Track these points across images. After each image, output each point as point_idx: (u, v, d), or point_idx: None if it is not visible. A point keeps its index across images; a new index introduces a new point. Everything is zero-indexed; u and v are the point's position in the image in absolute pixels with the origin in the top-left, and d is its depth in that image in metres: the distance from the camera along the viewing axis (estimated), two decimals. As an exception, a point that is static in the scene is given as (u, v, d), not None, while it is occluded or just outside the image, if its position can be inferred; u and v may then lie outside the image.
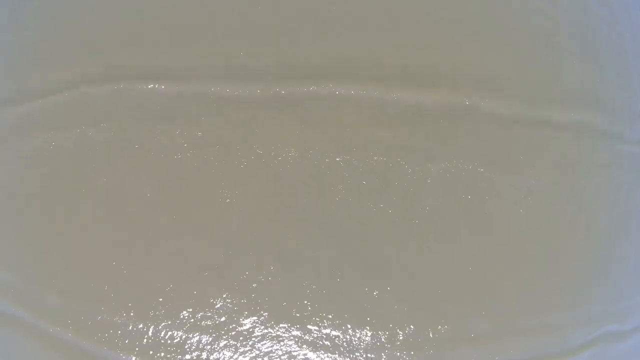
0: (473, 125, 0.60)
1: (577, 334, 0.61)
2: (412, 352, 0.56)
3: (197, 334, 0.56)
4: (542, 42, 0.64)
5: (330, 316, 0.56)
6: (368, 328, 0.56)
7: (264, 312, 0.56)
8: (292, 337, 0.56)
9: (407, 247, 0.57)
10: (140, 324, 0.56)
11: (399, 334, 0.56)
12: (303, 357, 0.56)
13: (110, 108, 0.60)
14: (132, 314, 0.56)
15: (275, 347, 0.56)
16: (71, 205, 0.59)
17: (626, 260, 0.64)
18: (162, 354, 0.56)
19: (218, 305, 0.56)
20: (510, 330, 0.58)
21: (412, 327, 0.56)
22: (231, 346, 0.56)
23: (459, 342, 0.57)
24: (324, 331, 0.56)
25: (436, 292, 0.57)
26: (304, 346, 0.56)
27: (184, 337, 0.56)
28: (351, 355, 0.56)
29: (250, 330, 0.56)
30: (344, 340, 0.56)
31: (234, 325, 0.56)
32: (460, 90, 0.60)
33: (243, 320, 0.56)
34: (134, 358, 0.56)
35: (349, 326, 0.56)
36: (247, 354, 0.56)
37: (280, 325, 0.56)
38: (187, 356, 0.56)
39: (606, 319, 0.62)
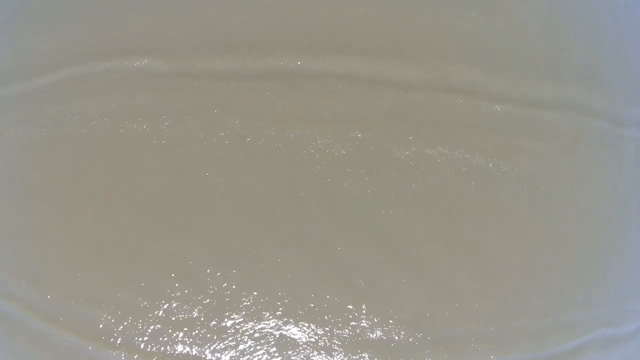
0: (468, 109, 0.58)
1: (576, 335, 0.60)
2: (405, 351, 0.56)
3: (201, 331, 0.56)
4: (539, 25, 0.62)
5: (324, 307, 0.56)
6: (349, 327, 0.55)
7: (262, 306, 0.56)
8: (291, 330, 0.56)
9: (400, 243, 0.56)
10: (141, 324, 0.56)
11: (391, 331, 0.56)
12: (304, 350, 0.56)
13: (95, 89, 0.59)
14: (132, 314, 0.56)
15: (278, 341, 0.55)
16: (68, 201, 0.58)
17: (625, 259, 0.64)
18: (166, 353, 0.56)
19: (219, 302, 0.56)
20: (508, 331, 0.58)
21: (403, 326, 0.56)
22: (233, 342, 0.56)
23: (453, 342, 0.57)
24: (317, 321, 0.56)
25: (429, 291, 0.57)
26: (302, 340, 0.56)
27: (191, 336, 0.56)
28: (340, 351, 0.56)
29: (250, 323, 0.56)
30: (333, 334, 0.56)
31: (232, 318, 0.56)
32: (455, 72, 0.59)
33: (241, 312, 0.56)
34: (136, 357, 0.56)
35: (336, 322, 0.56)
36: (245, 349, 0.56)
37: (278, 317, 0.56)
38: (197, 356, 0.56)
39: (604, 321, 0.62)
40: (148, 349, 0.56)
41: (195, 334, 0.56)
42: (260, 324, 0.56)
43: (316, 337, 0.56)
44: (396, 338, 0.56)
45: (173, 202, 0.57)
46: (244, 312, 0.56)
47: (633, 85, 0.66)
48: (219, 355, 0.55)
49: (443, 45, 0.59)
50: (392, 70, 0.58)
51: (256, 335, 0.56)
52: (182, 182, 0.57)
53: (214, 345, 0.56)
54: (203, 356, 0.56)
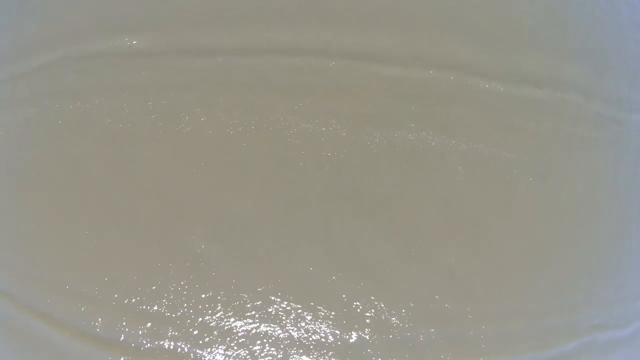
0: (465, 96, 0.58)
1: (576, 335, 0.60)
2: (405, 350, 0.56)
3: (202, 329, 0.56)
4: (538, 7, 0.62)
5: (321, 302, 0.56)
6: (349, 325, 0.55)
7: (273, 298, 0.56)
8: (296, 322, 0.56)
9: (399, 243, 0.56)
10: (142, 324, 0.56)
11: (391, 330, 0.56)
12: (301, 346, 0.56)
13: (91, 68, 0.59)
14: (133, 314, 0.56)
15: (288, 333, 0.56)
16: (67, 199, 0.58)
17: (625, 259, 0.64)
18: (166, 351, 0.56)
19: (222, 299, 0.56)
20: (508, 331, 0.58)
21: (403, 325, 0.56)
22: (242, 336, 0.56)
23: (453, 341, 0.56)
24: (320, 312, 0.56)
25: (429, 292, 0.56)
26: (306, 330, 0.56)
27: (191, 333, 0.56)
28: (339, 348, 0.55)
29: (250, 320, 0.56)
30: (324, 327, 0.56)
31: (233, 315, 0.56)
32: (448, 49, 0.58)
33: (241, 309, 0.56)
34: (136, 356, 0.56)
35: (334, 319, 0.56)
36: (242, 345, 0.56)
37: (291, 306, 0.56)
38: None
39: (605, 321, 0.62)
40: (148, 347, 0.56)
41: (197, 333, 0.56)
42: (258, 321, 0.56)
43: (314, 333, 0.56)
44: (396, 336, 0.56)
45: (171, 196, 0.57)
46: (243, 310, 0.56)
47: (632, 70, 0.66)
48: (217, 350, 0.56)
49: (437, 22, 0.58)
50: (382, 46, 0.58)
51: (255, 331, 0.56)
52: (178, 173, 0.57)
53: (213, 341, 0.55)
54: (201, 353, 0.56)
